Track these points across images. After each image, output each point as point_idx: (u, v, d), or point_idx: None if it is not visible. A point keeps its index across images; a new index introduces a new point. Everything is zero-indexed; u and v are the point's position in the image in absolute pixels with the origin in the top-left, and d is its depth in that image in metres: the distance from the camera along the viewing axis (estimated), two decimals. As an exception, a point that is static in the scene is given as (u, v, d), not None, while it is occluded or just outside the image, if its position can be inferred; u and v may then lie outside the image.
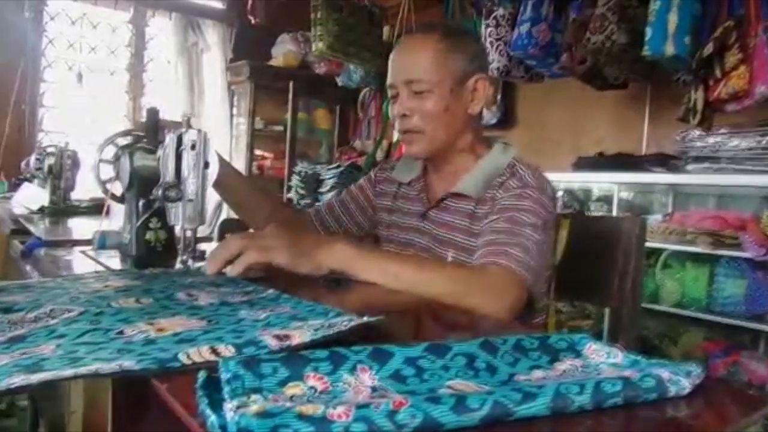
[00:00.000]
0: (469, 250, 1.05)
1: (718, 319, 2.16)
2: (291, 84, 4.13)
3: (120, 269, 0.91)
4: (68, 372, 0.40)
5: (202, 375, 0.40)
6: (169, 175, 0.91)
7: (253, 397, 0.37)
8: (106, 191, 1.08)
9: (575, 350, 0.50)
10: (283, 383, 0.40)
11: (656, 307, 2.31)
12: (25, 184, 2.42)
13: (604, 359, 0.49)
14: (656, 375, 0.43)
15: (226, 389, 0.38)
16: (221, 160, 1.00)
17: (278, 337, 0.48)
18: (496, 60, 2.83)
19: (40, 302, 0.60)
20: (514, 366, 0.47)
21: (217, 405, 0.37)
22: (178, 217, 0.91)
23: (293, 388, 0.39)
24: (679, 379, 0.43)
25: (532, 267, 0.94)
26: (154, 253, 0.98)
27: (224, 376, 0.39)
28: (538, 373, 0.46)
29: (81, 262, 1.02)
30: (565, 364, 0.48)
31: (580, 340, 0.52)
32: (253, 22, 3.88)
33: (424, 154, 1.13)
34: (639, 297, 1.23)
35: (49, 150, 2.11)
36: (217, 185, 1.01)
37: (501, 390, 0.39)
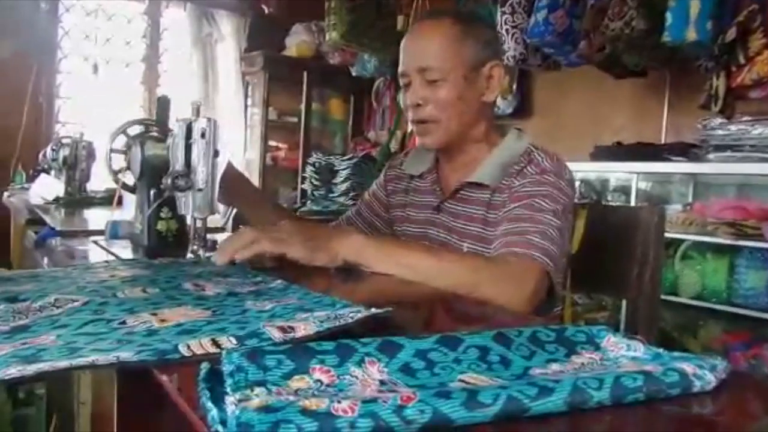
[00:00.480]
0: (486, 240, 1.03)
1: (739, 311, 2.11)
2: (305, 74, 4.12)
3: (130, 259, 0.90)
4: (64, 363, 0.39)
5: (204, 367, 0.38)
6: (178, 164, 0.90)
7: (257, 390, 0.36)
8: (117, 181, 1.08)
9: (594, 343, 0.48)
10: (288, 376, 0.38)
11: (675, 299, 2.27)
12: (42, 175, 2.43)
13: (624, 352, 0.47)
14: (680, 369, 0.41)
15: (228, 382, 0.37)
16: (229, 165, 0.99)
17: (282, 329, 0.47)
18: (512, 48, 2.78)
19: (47, 292, 0.60)
20: (529, 359, 0.45)
21: (219, 398, 0.35)
22: (188, 206, 0.90)
23: (298, 381, 0.38)
24: (705, 373, 0.41)
25: (554, 253, 0.92)
26: (165, 242, 0.98)
27: (227, 368, 0.38)
28: (554, 367, 0.44)
29: (93, 252, 1.02)
30: (584, 358, 0.46)
31: (599, 332, 0.50)
32: (266, 12, 3.87)
33: (438, 144, 1.10)
34: (658, 288, 1.20)
35: (65, 141, 2.12)
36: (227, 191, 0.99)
37: (516, 384, 0.37)
